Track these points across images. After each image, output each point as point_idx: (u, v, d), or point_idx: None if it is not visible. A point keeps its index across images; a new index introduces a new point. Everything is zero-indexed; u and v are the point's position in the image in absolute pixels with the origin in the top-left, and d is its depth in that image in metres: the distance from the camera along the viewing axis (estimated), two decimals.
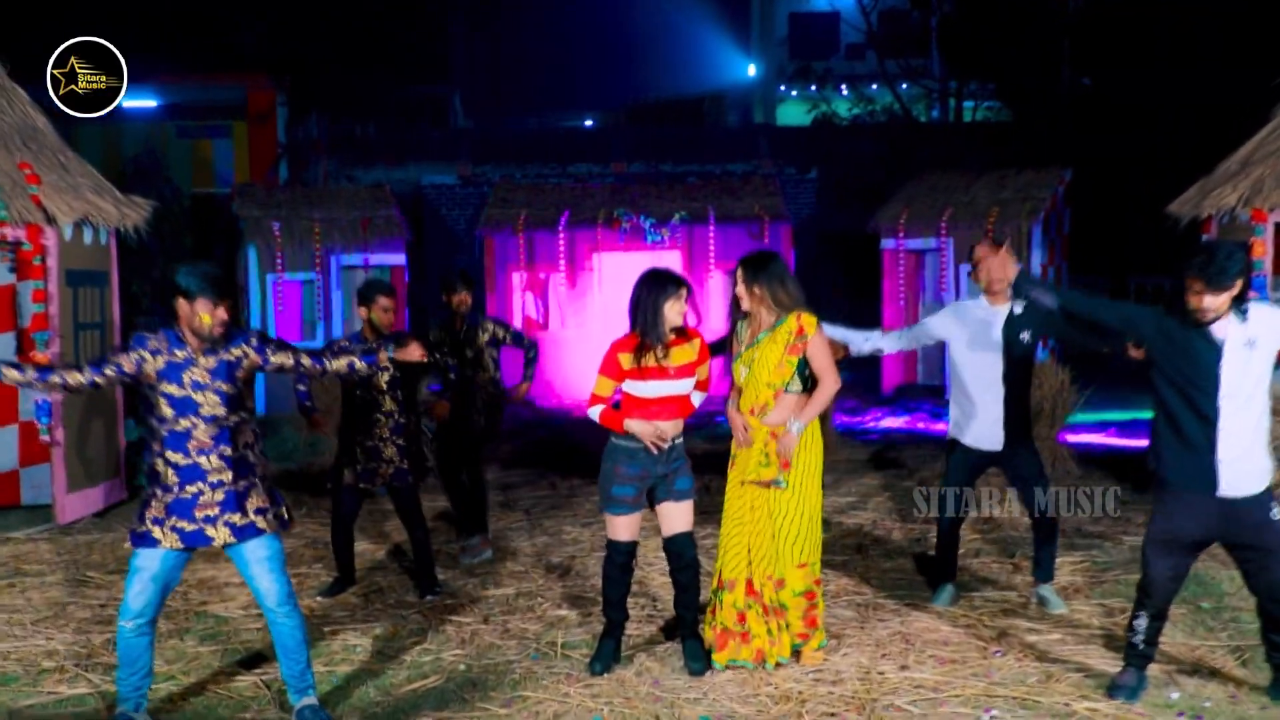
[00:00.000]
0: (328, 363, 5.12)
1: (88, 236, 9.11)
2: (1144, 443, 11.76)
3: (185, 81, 26.14)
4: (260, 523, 4.85)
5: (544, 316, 16.90)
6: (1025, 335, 6.22)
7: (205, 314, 4.69)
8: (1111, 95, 26.47)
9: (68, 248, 8.83)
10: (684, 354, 5.46)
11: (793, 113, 35.57)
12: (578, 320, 16.48)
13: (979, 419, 6.30)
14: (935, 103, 31.93)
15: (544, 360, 16.28)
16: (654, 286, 5.40)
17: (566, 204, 17.08)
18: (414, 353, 5.45)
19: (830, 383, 5.45)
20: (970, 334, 6.33)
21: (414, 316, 16.75)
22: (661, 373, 5.40)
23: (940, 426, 13.36)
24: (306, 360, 5.05)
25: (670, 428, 5.46)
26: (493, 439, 8.27)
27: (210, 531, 4.77)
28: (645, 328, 5.36)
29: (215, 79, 26.33)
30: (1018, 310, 6.24)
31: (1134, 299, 22.40)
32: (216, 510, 4.76)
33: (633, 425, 5.38)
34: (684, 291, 5.43)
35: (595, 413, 5.44)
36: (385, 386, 6.75)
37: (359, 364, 5.22)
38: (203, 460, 4.73)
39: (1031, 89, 27.22)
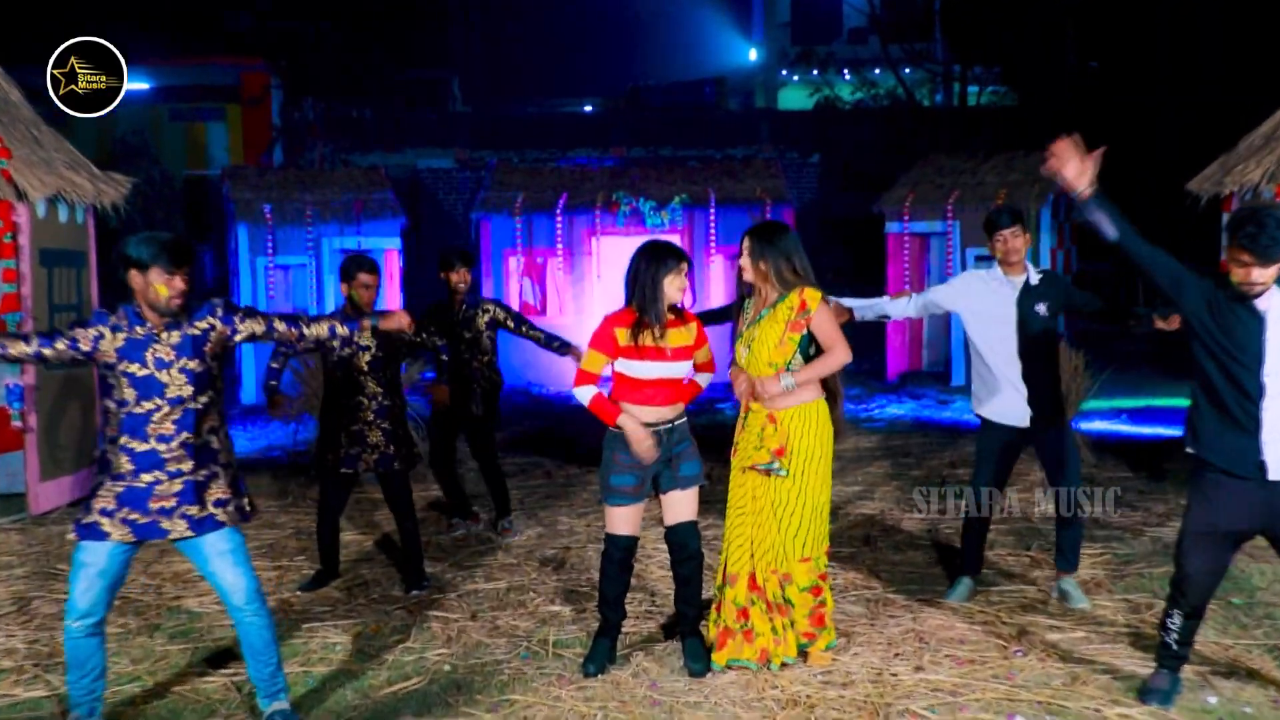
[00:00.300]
0: (304, 327, 4.74)
1: (63, 214, 8.74)
2: (1159, 430, 11.48)
3: (178, 64, 25.83)
4: (220, 515, 4.48)
5: (541, 301, 16.56)
6: (1042, 308, 5.86)
7: (160, 285, 4.32)
8: (1117, 78, 26.14)
9: (41, 225, 8.46)
10: (681, 336, 5.10)
11: (794, 98, 35.20)
12: (576, 305, 16.12)
13: (1001, 394, 5.95)
14: (939, 87, 31.50)
15: (539, 347, 15.91)
16: (654, 259, 5.04)
17: (565, 187, 16.73)
18: (400, 320, 5.06)
19: (840, 352, 5.05)
20: (983, 307, 5.97)
21: (409, 301, 16.38)
22: (659, 353, 5.04)
23: (946, 415, 13.05)
24: (280, 325, 4.68)
25: (670, 411, 5.11)
26: (493, 426, 7.91)
27: (165, 524, 4.40)
28: (644, 303, 5.00)
29: (208, 61, 26.01)
30: (1034, 280, 5.88)
31: (1142, 286, 22.04)
32: (173, 501, 4.39)
33: (626, 425, 5.00)
34: (684, 266, 5.08)
35: (585, 395, 5.05)
36: (367, 367, 6.38)
37: (340, 328, 4.84)
38: (161, 447, 4.36)
39: (1037, 72, 26.86)
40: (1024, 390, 5.88)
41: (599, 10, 41.35)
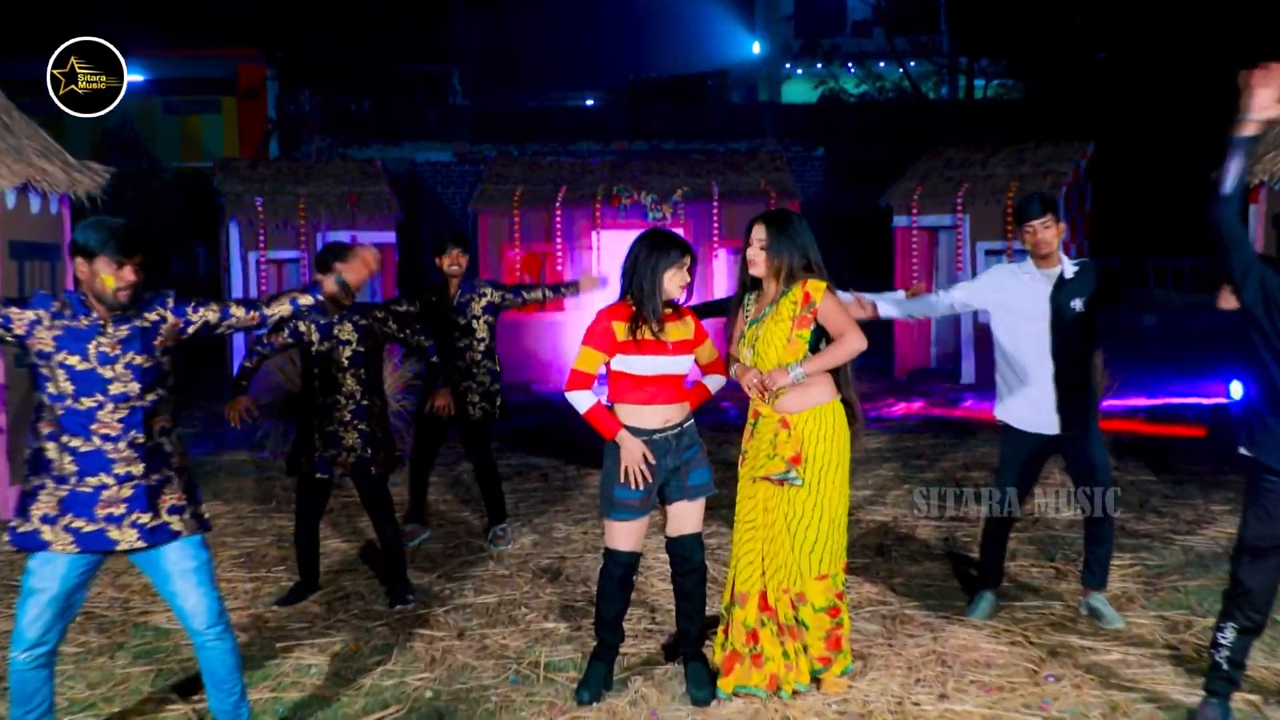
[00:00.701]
0: (264, 308, 4.29)
1: (35, 205, 8.34)
2: (1178, 431, 11.07)
3: (173, 56, 25.46)
4: (175, 524, 4.04)
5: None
6: (1077, 303, 5.43)
7: (107, 275, 3.90)
8: (1125, 69, 25.78)
9: (11, 216, 8.06)
10: (679, 331, 4.68)
11: (798, 92, 34.86)
12: (575, 301, 15.68)
13: (1028, 400, 5.53)
14: (945, 80, 31.10)
15: (538, 343, 15.57)
16: (655, 250, 4.61)
17: (564, 180, 16.34)
18: (367, 263, 4.55)
19: (852, 339, 4.59)
20: (1014, 303, 5.55)
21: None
22: (660, 347, 4.60)
23: (956, 413, 12.65)
24: (239, 310, 4.24)
25: (676, 412, 4.68)
26: (490, 427, 7.44)
27: (114, 533, 3.96)
28: (640, 297, 4.58)
29: (204, 53, 25.64)
30: (1069, 274, 5.46)
31: (1153, 282, 21.66)
32: (123, 508, 3.95)
33: (625, 442, 4.55)
34: (688, 260, 4.64)
35: (582, 403, 4.59)
36: (346, 363, 5.95)
37: (302, 299, 4.37)
38: (108, 447, 3.93)
39: (1045, 64, 26.48)
40: (1054, 394, 5.46)
41: (600, 3, 40.93)
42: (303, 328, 5.97)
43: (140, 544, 3.99)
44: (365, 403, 6.00)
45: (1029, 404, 5.54)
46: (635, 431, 4.60)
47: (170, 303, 4.11)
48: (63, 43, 7.95)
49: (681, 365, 4.67)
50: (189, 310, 4.13)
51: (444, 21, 34.34)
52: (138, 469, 3.98)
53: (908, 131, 24.72)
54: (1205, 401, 12.34)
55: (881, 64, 31.06)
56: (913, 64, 29.57)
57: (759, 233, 4.67)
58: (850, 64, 32.28)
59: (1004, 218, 14.68)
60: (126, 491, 3.97)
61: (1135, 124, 23.49)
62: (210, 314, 4.17)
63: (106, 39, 8.09)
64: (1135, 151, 22.51)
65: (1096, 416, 5.68)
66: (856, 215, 21.67)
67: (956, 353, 15.41)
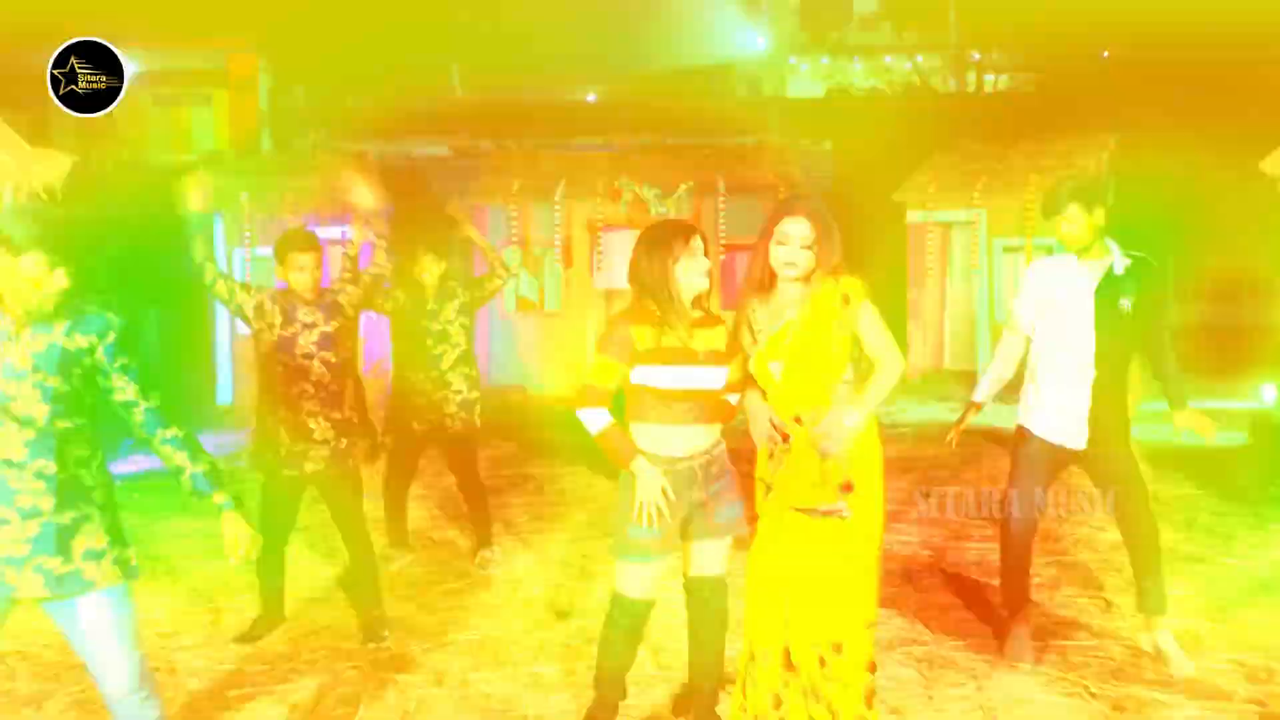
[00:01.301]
0: (159, 434, 3.46)
1: None
2: (1221, 441, 10.41)
3: (161, 46, 24.81)
4: (90, 571, 3.35)
5: (539, 295, 15.53)
6: (1126, 302, 4.77)
7: (33, 278, 3.22)
8: (1145, 59, 25.18)
9: None
10: (709, 340, 3.98)
11: (804, 85, 34.22)
12: (575, 299, 15.03)
13: (1057, 408, 4.90)
14: (954, 74, 30.52)
15: (534, 342, 14.93)
16: (655, 249, 3.92)
17: (564, 174, 15.68)
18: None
19: (895, 362, 3.98)
20: (1053, 298, 4.91)
21: None
22: (689, 355, 3.90)
23: (979, 419, 11.97)
24: (139, 415, 3.44)
25: (705, 437, 4.00)
26: (475, 437, 6.81)
27: (12, 578, 3.29)
28: (659, 302, 3.90)
29: (193, 44, 25.00)
30: (1119, 269, 4.80)
31: (1174, 282, 21.05)
32: (26, 549, 3.28)
33: (641, 472, 3.87)
34: (696, 244, 3.92)
35: (594, 420, 3.89)
36: (314, 348, 5.24)
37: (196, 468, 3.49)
38: (11, 474, 3.27)
39: (1056, 56, 25.94)
40: (1085, 406, 4.82)
41: None
42: (266, 306, 5.30)
43: (44, 593, 3.32)
44: (335, 389, 5.32)
45: (1057, 412, 4.90)
46: (654, 459, 3.91)
47: (108, 339, 3.39)
48: (55, 35, 7.44)
49: (714, 380, 3.97)
50: (115, 367, 3.41)
51: (443, 13, 33.79)
52: (47, 503, 3.30)
53: (917, 125, 24.12)
54: (1240, 405, 11.67)
55: (889, 58, 30.50)
56: (920, 57, 28.97)
57: (799, 229, 3.93)
58: (857, 57, 31.72)
59: (1023, 213, 14.04)
60: (32, 529, 3.29)
61: (1153, 118, 22.86)
62: (130, 393, 3.43)
63: (101, 32, 7.59)
64: (1155, 146, 21.86)
65: (1129, 429, 5.00)
66: (867, 210, 21.06)
67: (973, 351, 14.78)
